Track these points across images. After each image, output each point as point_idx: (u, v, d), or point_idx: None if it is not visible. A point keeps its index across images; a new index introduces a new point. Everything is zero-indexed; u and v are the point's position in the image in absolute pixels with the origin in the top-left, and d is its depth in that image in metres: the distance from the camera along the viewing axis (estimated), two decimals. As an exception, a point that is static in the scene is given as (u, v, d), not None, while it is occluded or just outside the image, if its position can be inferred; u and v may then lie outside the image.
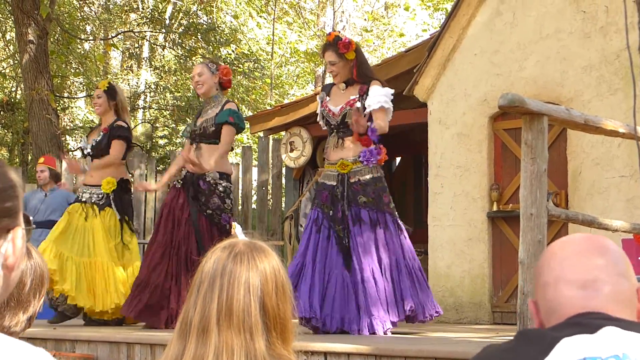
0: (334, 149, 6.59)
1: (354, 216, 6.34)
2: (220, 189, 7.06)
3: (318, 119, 6.86)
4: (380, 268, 6.26)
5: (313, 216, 6.56)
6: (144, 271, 7.02)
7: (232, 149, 7.84)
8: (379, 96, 6.39)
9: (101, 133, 7.88)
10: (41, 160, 10.40)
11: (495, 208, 8.33)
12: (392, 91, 6.54)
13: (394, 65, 9.99)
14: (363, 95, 6.47)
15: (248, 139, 20.41)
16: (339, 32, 6.85)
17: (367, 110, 6.35)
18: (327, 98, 6.73)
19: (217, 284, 2.03)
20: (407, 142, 12.07)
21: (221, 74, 7.31)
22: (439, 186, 8.68)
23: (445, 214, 8.59)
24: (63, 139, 14.21)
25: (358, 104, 6.37)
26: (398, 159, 12.79)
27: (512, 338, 1.72)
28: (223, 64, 8.27)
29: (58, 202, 9.83)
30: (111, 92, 7.96)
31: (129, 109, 8.41)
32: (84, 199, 7.76)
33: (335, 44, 6.55)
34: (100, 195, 7.71)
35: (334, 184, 6.51)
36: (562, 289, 1.74)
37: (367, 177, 6.40)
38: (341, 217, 6.38)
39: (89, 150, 7.91)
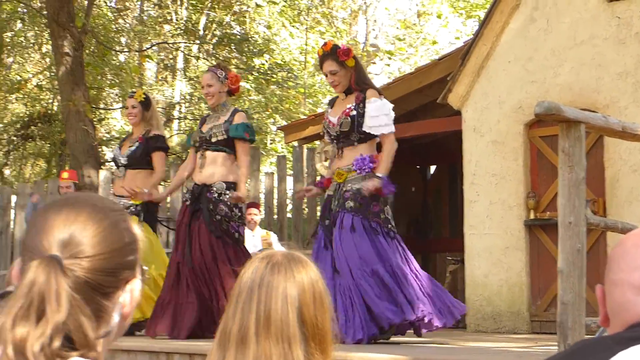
0: (335, 159, 6.59)
1: (337, 221, 6.30)
2: (226, 198, 7.01)
3: (321, 132, 6.87)
4: (352, 275, 6.15)
5: (317, 231, 6.62)
6: (165, 290, 7.04)
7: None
8: (380, 118, 6.37)
9: (136, 142, 7.88)
10: (65, 175, 10.40)
11: (532, 216, 8.27)
12: (392, 105, 6.52)
13: (427, 73, 9.97)
14: (359, 103, 6.42)
15: (282, 148, 20.45)
16: (333, 41, 6.78)
17: (376, 132, 6.36)
18: (329, 110, 6.72)
19: (255, 295, 2.04)
20: (442, 150, 12.03)
21: (230, 83, 7.27)
22: (475, 194, 8.64)
23: (482, 223, 8.55)
24: (99, 149, 14.31)
25: (364, 185, 6.25)
26: (433, 168, 12.75)
27: (568, 348, 1.69)
28: (233, 69, 8.22)
29: None
30: (146, 102, 7.99)
31: (161, 119, 8.44)
32: None
33: (335, 53, 6.49)
34: (130, 207, 7.72)
35: (331, 193, 6.52)
36: (627, 293, 1.70)
37: (359, 185, 6.32)
38: (330, 225, 6.39)
39: (124, 160, 7.91)
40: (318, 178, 12.29)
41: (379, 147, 6.52)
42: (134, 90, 8.27)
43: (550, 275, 7.69)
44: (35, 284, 1.45)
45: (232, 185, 7.03)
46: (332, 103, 6.81)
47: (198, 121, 8.27)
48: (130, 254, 1.59)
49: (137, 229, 1.64)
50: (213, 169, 7.05)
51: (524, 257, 8.27)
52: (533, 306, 8.24)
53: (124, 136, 8.96)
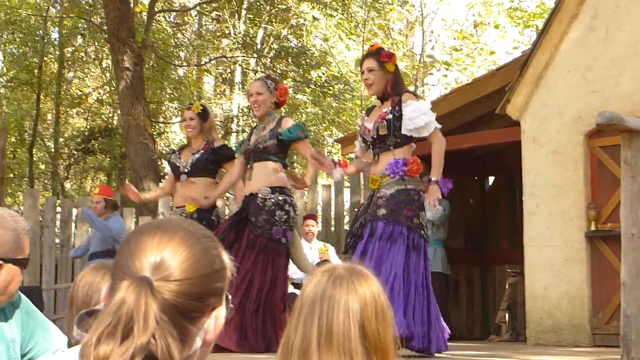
0: (371, 165, 6.48)
1: (371, 229, 6.19)
2: (269, 203, 6.95)
3: (356, 142, 6.82)
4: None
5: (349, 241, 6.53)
6: None
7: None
8: (422, 117, 6.25)
9: (201, 151, 7.92)
10: (96, 190, 10.46)
11: (593, 227, 8.18)
12: (429, 105, 6.41)
13: (485, 83, 9.93)
14: (395, 107, 6.33)
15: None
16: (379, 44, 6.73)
17: (417, 134, 6.26)
18: (366, 117, 6.63)
19: (317, 308, 2.04)
20: (500, 161, 11.96)
21: (279, 94, 7.25)
22: (534, 206, 8.57)
23: (542, 234, 8.47)
24: (159, 163, 14.46)
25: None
26: (491, 179, 12.68)
27: None
28: (290, 82, 8.25)
29: (116, 229, 9.96)
30: (204, 114, 8.03)
31: (216, 130, 8.47)
32: None
33: (378, 53, 6.44)
34: (185, 216, 7.77)
35: (367, 203, 6.44)
36: None
37: (393, 190, 6.22)
38: (358, 231, 6.32)
39: (188, 168, 7.94)
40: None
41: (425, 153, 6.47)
42: (191, 102, 8.32)
43: (612, 287, 7.60)
44: (125, 303, 1.49)
45: (277, 189, 6.99)
46: (369, 112, 6.72)
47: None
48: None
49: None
50: (259, 177, 7.03)
51: (585, 269, 8.18)
52: (594, 319, 8.14)
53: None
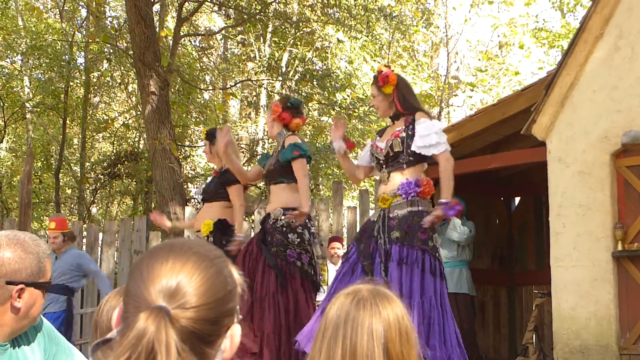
0: (382, 184, 6.45)
1: (387, 253, 6.14)
2: (279, 224, 6.94)
3: (363, 162, 6.79)
4: None
5: (349, 252, 6.47)
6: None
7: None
8: (432, 135, 6.22)
9: (211, 177, 8.01)
10: (52, 225, 10.14)
11: (620, 247, 8.12)
12: (442, 125, 6.39)
13: (510, 104, 9.91)
14: (408, 126, 6.32)
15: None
16: (387, 66, 6.69)
17: (426, 152, 6.24)
18: (378, 138, 6.64)
19: (340, 330, 2.04)
20: (526, 181, 11.92)
21: (273, 113, 7.28)
22: (561, 226, 8.52)
23: (569, 255, 8.42)
24: (185, 187, 14.51)
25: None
26: (517, 199, 12.63)
27: None
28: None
29: (69, 263, 9.76)
30: (210, 137, 8.06)
31: (238, 151, 8.48)
32: None
33: (375, 79, 6.51)
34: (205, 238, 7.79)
35: (376, 219, 6.37)
36: None
37: (405, 211, 6.19)
38: (371, 252, 6.21)
39: (200, 195, 8.04)
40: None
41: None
42: (201, 127, 8.43)
43: (640, 307, 7.54)
44: (145, 335, 1.48)
45: (290, 210, 6.95)
46: (381, 133, 6.74)
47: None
48: (231, 300, 1.62)
49: (237, 273, 1.67)
50: (274, 198, 7.06)
51: (612, 290, 8.12)
52: (622, 339, 8.07)
53: (209, 173, 9.09)
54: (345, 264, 6.35)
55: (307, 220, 7.07)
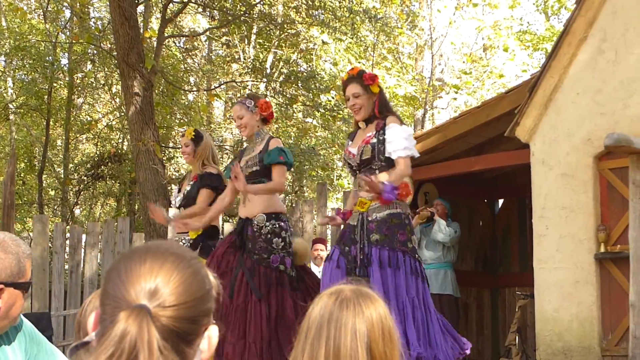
0: (357, 189, 6.42)
1: (367, 256, 6.13)
2: (265, 231, 6.87)
3: (343, 165, 6.76)
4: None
5: (331, 253, 6.44)
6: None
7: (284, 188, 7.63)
8: (401, 140, 6.19)
9: (191, 182, 7.91)
10: None
11: (602, 249, 8.14)
12: (411, 131, 6.39)
13: (494, 106, 9.93)
14: (379, 130, 6.28)
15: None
16: (360, 67, 6.60)
17: (393, 156, 6.20)
18: (350, 142, 6.59)
19: (324, 331, 2.04)
20: (510, 184, 11.96)
21: (261, 110, 7.14)
22: (544, 228, 8.55)
23: (551, 257, 8.45)
24: (169, 188, 14.48)
25: (364, 175, 6.13)
26: (501, 202, 12.67)
27: None
28: (262, 97, 8.07)
29: None
30: (197, 138, 7.99)
31: (217, 154, 8.41)
32: None
33: (360, 77, 6.38)
34: (188, 243, 7.72)
35: (355, 223, 6.35)
36: None
37: (384, 213, 6.18)
38: (355, 256, 6.21)
39: (180, 201, 7.93)
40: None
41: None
42: (184, 128, 8.32)
43: (622, 309, 7.56)
44: (127, 333, 1.48)
45: (273, 216, 6.91)
46: (352, 136, 6.67)
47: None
48: (209, 301, 1.64)
49: (212, 276, 1.68)
50: (254, 201, 6.92)
51: (595, 291, 8.14)
52: (604, 341, 8.09)
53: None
54: (330, 263, 6.33)
55: (288, 223, 7.07)
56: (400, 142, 6.20)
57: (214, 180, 7.81)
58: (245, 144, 7.60)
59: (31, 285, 3.09)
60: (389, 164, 6.28)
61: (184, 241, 7.71)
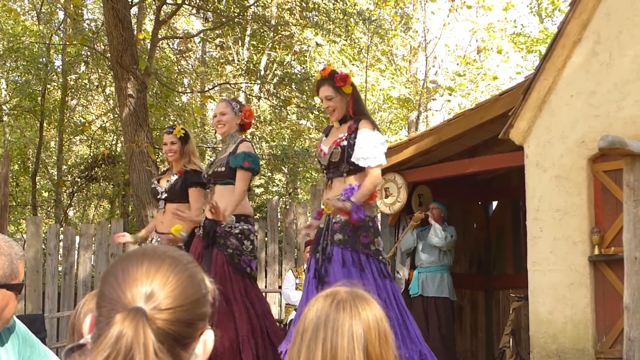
0: (326, 190, 6.42)
1: (327, 254, 6.11)
2: (236, 231, 6.88)
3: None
4: None
5: (309, 264, 6.42)
6: None
7: (250, 191, 7.60)
8: (372, 149, 6.14)
9: (174, 176, 7.87)
10: None
11: (596, 252, 8.15)
12: (382, 137, 6.30)
13: (488, 108, 9.94)
14: (351, 134, 6.23)
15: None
16: (332, 67, 6.52)
17: (362, 164, 6.16)
18: (324, 138, 6.56)
19: (320, 333, 2.04)
20: (504, 186, 11.96)
21: (244, 116, 7.17)
22: (538, 230, 8.55)
23: (546, 259, 8.45)
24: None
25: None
26: (495, 204, 12.67)
27: None
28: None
29: None
30: (186, 137, 7.96)
31: (197, 153, 8.38)
32: None
33: (332, 78, 6.29)
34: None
35: (323, 226, 6.33)
36: None
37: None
38: (319, 258, 6.19)
39: (163, 194, 7.88)
40: (378, 216, 12.27)
41: None
42: (172, 126, 8.23)
43: (616, 311, 7.56)
44: (123, 335, 1.48)
45: (242, 218, 6.92)
46: (327, 132, 6.65)
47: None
48: (205, 305, 1.64)
49: (209, 281, 1.68)
50: (221, 202, 6.88)
51: (589, 294, 8.15)
52: (598, 343, 8.10)
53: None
54: (308, 275, 6.33)
55: (254, 227, 7.08)
56: (370, 150, 6.15)
57: (196, 176, 7.75)
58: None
59: (24, 287, 3.08)
60: (357, 167, 6.25)
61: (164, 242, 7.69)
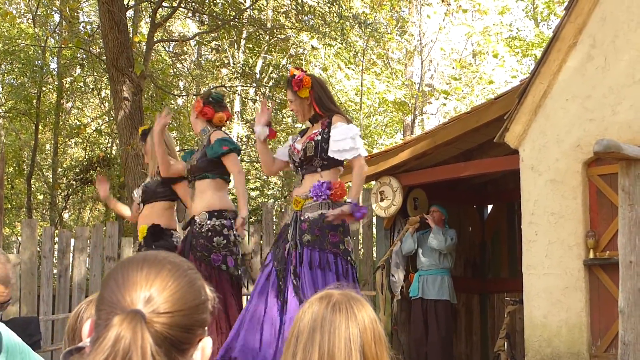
0: (297, 187, 6.41)
1: (298, 257, 6.07)
2: (205, 229, 6.87)
3: (280, 156, 6.70)
4: None
5: (267, 258, 6.40)
6: None
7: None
8: (348, 140, 6.15)
9: (149, 177, 7.85)
10: None
11: (591, 255, 8.16)
12: (358, 130, 6.31)
13: (483, 112, 9.95)
14: (324, 129, 6.25)
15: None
16: (299, 69, 6.52)
17: (339, 157, 6.17)
18: (299, 138, 6.57)
19: (317, 335, 2.04)
20: (499, 189, 11.97)
21: (195, 109, 7.20)
22: (533, 234, 8.56)
23: (541, 263, 8.46)
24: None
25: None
26: (490, 207, 12.68)
27: None
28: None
29: None
30: (144, 136, 7.92)
31: (174, 145, 8.32)
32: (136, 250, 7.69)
33: (290, 83, 6.37)
34: (139, 244, 7.66)
35: (288, 222, 6.34)
36: None
37: (316, 213, 6.13)
38: (283, 257, 6.15)
39: (139, 196, 7.83)
40: (373, 219, 12.28)
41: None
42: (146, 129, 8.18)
43: (611, 315, 7.57)
44: (121, 338, 1.49)
45: (215, 214, 6.92)
46: (302, 133, 6.67)
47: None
48: (204, 312, 1.65)
49: (209, 289, 1.69)
50: (199, 198, 6.94)
51: (584, 297, 8.16)
52: (593, 347, 8.11)
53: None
54: (264, 270, 6.30)
55: (232, 221, 7.01)
56: (348, 142, 6.17)
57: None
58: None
59: (19, 290, 3.08)
60: (331, 162, 6.26)
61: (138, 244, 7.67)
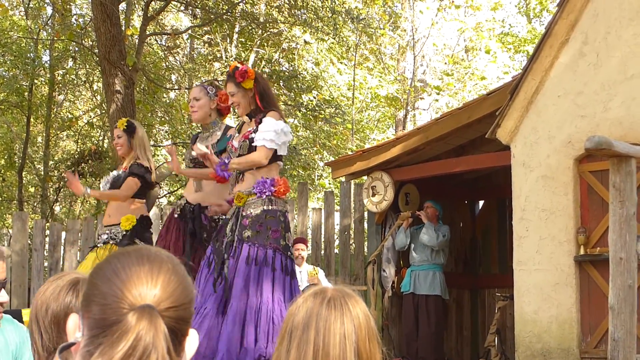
0: (236, 183, 6.39)
1: (236, 251, 6.09)
2: (206, 219, 6.86)
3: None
4: (246, 309, 5.88)
5: (207, 251, 6.39)
6: None
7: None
8: (267, 132, 6.15)
9: (117, 171, 7.76)
10: None
11: (582, 252, 8.19)
12: (286, 126, 6.28)
13: (475, 108, 9.97)
14: (258, 125, 6.25)
15: (330, 183, 20.50)
16: (241, 62, 6.50)
17: (257, 143, 6.17)
18: (237, 134, 6.55)
19: (311, 331, 2.04)
20: (490, 185, 11.99)
21: (219, 100, 7.07)
22: (524, 230, 8.58)
23: (531, 258, 8.48)
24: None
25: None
26: (481, 203, 12.71)
27: None
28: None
29: None
30: (130, 129, 7.75)
31: (150, 147, 8.23)
32: (102, 242, 7.53)
33: (233, 75, 6.31)
34: (119, 234, 7.53)
35: (229, 217, 6.33)
36: None
37: (259, 210, 6.16)
38: (222, 250, 6.15)
39: (106, 188, 7.71)
40: (365, 214, 12.30)
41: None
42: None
43: (601, 311, 7.61)
44: (141, 334, 1.49)
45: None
46: (239, 128, 6.63)
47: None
48: (190, 308, 1.66)
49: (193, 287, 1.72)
50: (210, 190, 6.89)
51: (574, 294, 8.19)
52: (583, 343, 8.14)
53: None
54: (204, 264, 6.30)
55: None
56: (268, 133, 6.16)
57: (143, 171, 7.61)
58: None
59: (9, 283, 3.09)
60: (270, 158, 6.27)
61: (114, 235, 7.57)
